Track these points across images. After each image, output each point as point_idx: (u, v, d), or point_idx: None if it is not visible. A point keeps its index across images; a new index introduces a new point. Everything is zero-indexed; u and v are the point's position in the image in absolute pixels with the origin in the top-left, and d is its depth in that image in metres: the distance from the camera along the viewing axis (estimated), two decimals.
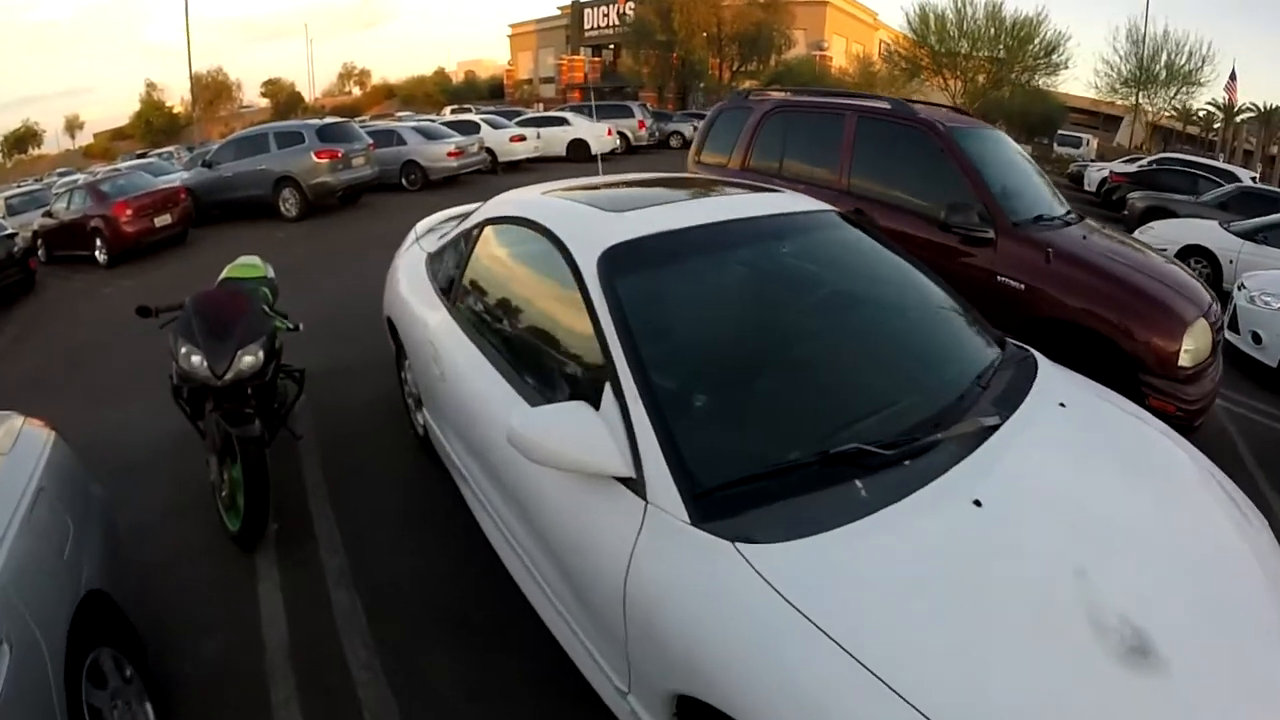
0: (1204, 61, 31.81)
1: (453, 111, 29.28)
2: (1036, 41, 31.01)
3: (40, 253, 11.28)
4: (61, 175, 27.62)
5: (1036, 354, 2.56)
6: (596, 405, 1.83)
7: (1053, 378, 2.33)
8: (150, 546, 3.13)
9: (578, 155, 19.84)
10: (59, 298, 9.33)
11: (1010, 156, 4.88)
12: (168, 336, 3.18)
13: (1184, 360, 3.65)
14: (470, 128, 17.35)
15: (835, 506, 1.58)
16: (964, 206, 4.19)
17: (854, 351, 2.29)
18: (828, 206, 2.87)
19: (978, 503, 1.61)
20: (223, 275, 4.14)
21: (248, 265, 4.28)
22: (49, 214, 11.51)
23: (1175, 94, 32.66)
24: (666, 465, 1.67)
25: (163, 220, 10.48)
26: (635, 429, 1.74)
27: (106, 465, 3.82)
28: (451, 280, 3.11)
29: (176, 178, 13.46)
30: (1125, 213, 12.63)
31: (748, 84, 37.33)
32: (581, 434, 1.74)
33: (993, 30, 31.40)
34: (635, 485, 1.70)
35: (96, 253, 10.44)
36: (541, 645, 2.19)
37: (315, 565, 2.96)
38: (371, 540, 3.11)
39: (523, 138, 18.43)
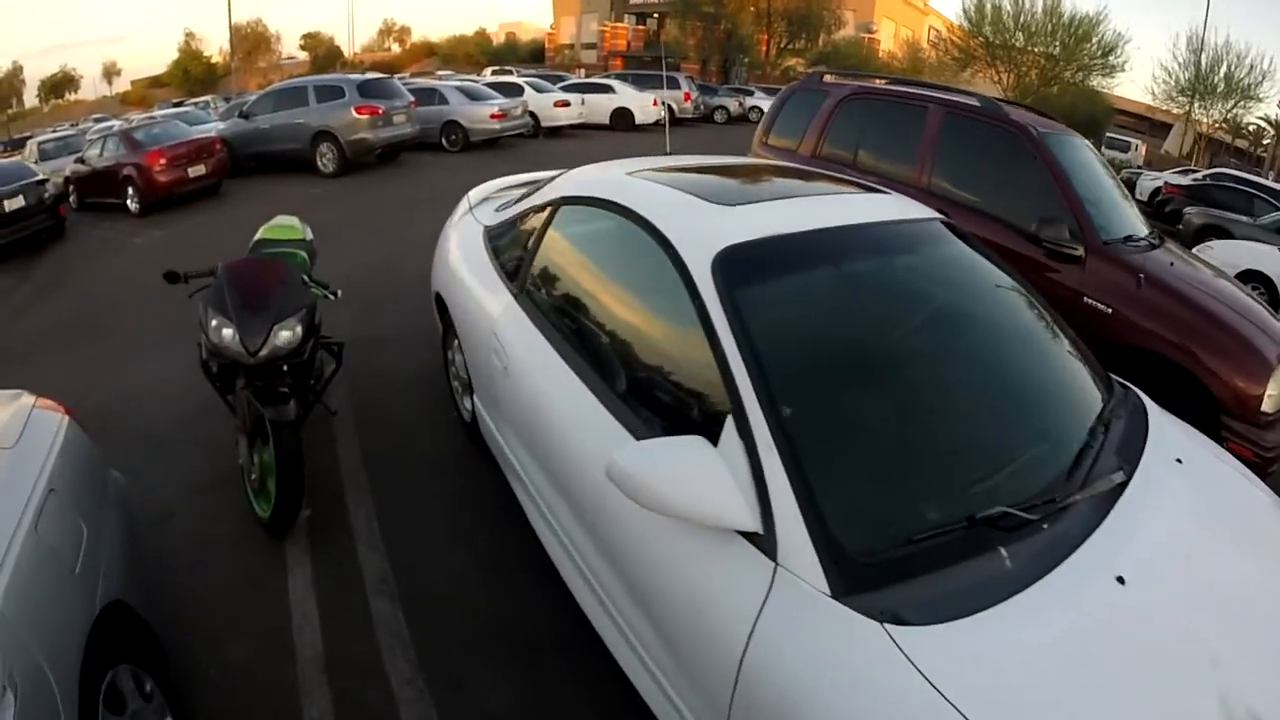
0: (1264, 76, 30.92)
1: (493, 73, 28.75)
2: (1094, 41, 30.16)
3: (72, 199, 11.15)
4: (97, 121, 27.44)
5: (1141, 394, 2.42)
6: (712, 439, 1.60)
7: (1164, 427, 2.18)
8: (172, 531, 2.96)
9: (620, 124, 19.56)
10: (89, 246, 9.19)
11: (1097, 168, 4.58)
12: (197, 305, 2.95)
13: (1266, 405, 3.49)
14: (514, 90, 17.11)
15: (983, 580, 1.41)
16: (1056, 220, 3.93)
17: (983, 390, 2.04)
18: (935, 213, 2.60)
19: (1120, 580, 1.48)
20: (258, 236, 3.87)
21: (285, 226, 4.00)
22: (82, 160, 11.33)
23: (1233, 106, 31.73)
24: (804, 522, 1.43)
25: (197, 171, 10.30)
26: (766, 476, 1.50)
27: (127, 435, 3.72)
28: (518, 263, 2.84)
29: (212, 128, 13.28)
30: (1180, 227, 12.21)
31: (793, 62, 37.24)
32: (700, 478, 1.50)
33: (1050, 25, 30.55)
34: (762, 542, 1.47)
35: (129, 201, 10.28)
36: (608, 674, 1.96)
37: (350, 561, 2.77)
38: (412, 536, 2.91)
39: (567, 103, 18.05)
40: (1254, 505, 2.03)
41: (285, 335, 2.81)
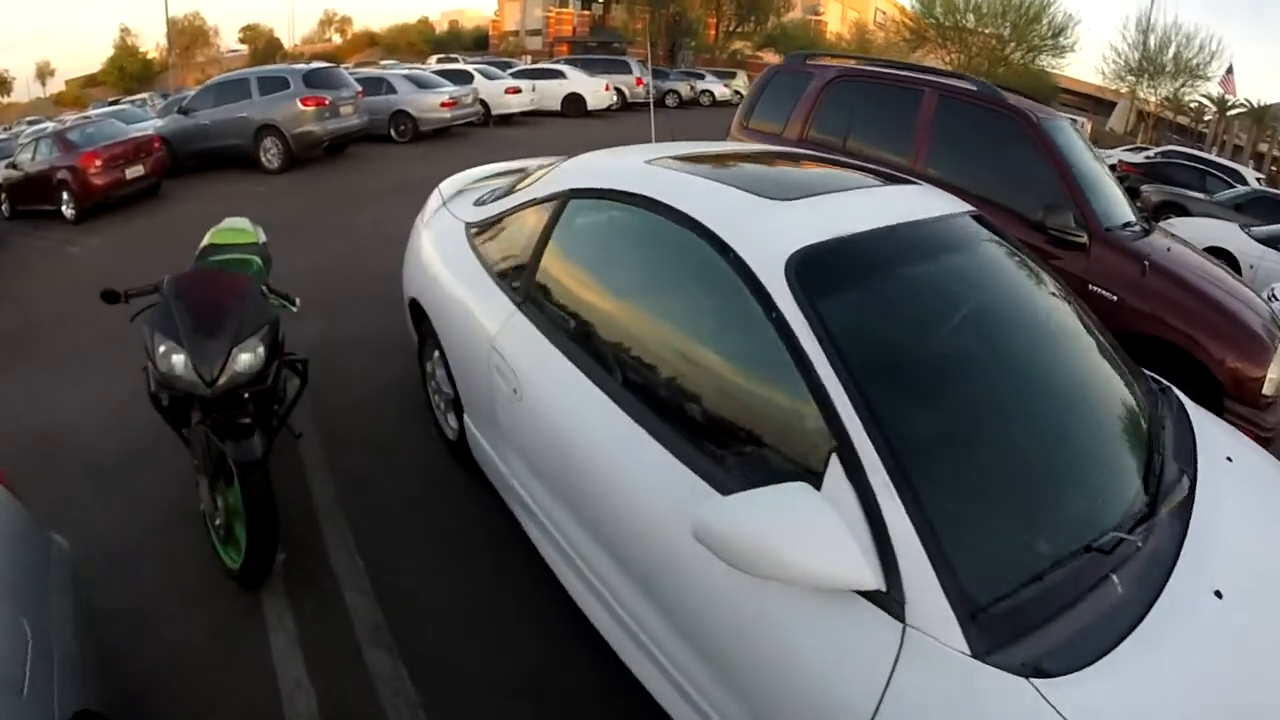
0: (1213, 57, 31.91)
1: (438, 61, 28.37)
2: (1045, 22, 30.79)
3: (4, 207, 10.41)
4: (30, 124, 26.00)
5: (1175, 390, 2.39)
6: (811, 482, 1.38)
7: (1206, 425, 2.16)
8: (129, 587, 2.60)
9: (572, 110, 19.39)
10: (19, 256, 8.51)
11: (1088, 153, 4.50)
12: (141, 328, 2.56)
13: (1267, 389, 3.59)
14: (464, 77, 16.73)
15: (1104, 614, 1.33)
16: (1061, 207, 3.85)
17: (1067, 403, 1.88)
18: (966, 205, 2.42)
19: (1219, 594, 1.45)
20: (206, 241, 3.46)
21: (236, 229, 3.58)
22: (13, 165, 10.52)
23: (1181, 85, 32.70)
24: (935, 575, 1.25)
25: (135, 171, 9.68)
26: (887, 523, 1.30)
27: (69, 465, 3.36)
28: (518, 267, 2.52)
29: (150, 126, 12.54)
30: (1139, 204, 12.39)
31: (740, 45, 37.34)
32: (810, 532, 1.28)
33: (1001, 6, 31.07)
34: (885, 600, 1.28)
35: (64, 207, 9.56)
36: None
37: (337, 608, 2.48)
38: (403, 574, 2.63)
39: (518, 90, 17.76)
40: None
41: (246, 359, 2.46)
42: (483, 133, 15.65)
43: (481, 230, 2.92)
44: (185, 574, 2.66)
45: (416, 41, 55.30)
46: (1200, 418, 2.27)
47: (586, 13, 45.29)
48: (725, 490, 1.52)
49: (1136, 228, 4.20)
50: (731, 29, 37.78)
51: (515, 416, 2.31)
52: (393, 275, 3.60)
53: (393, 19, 67.47)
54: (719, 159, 2.56)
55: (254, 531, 2.39)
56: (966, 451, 1.56)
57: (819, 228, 1.80)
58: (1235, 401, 3.57)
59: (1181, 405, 2.29)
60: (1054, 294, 2.27)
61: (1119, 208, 4.26)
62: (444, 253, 3.07)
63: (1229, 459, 1.98)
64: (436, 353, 3.09)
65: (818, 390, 1.46)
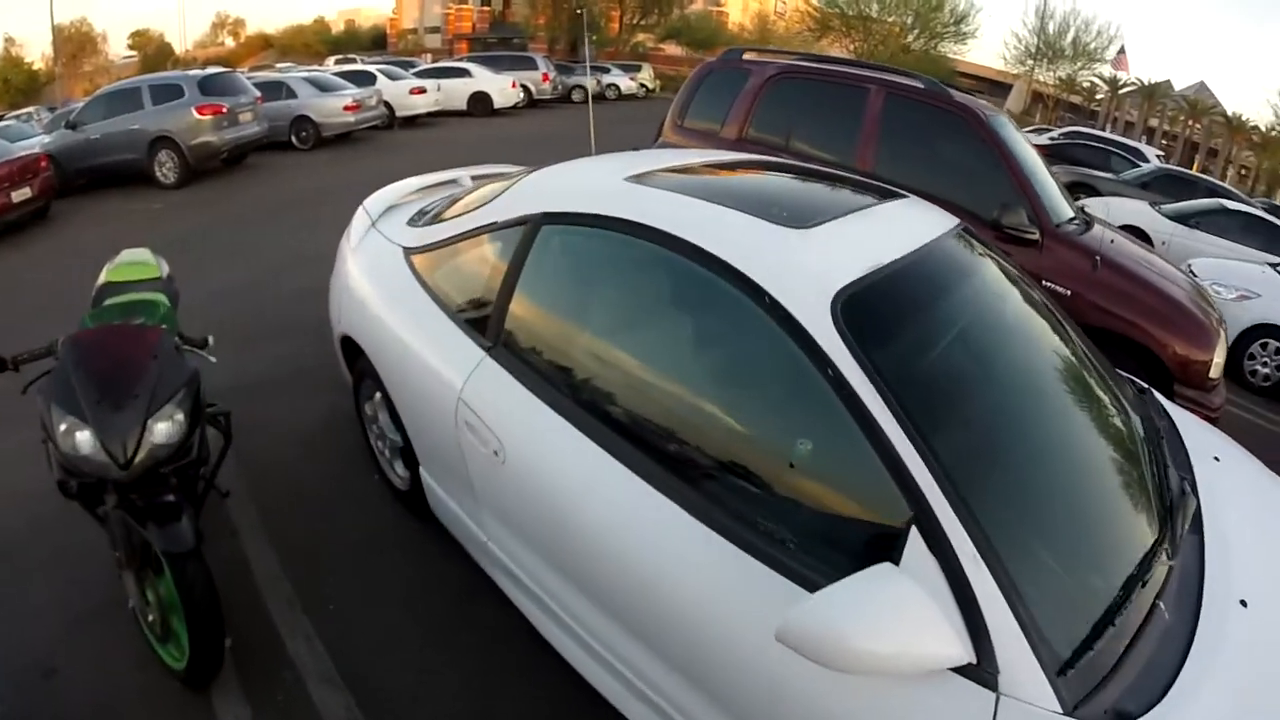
0: (1110, 41, 33.75)
1: (337, 62, 27.42)
2: (947, 10, 31.87)
3: None
4: None
5: (1152, 391, 2.48)
6: (886, 556, 1.29)
7: (1190, 426, 2.23)
8: (57, 700, 2.23)
9: (479, 110, 19.09)
10: None
11: (1029, 149, 4.55)
12: (35, 399, 2.15)
13: (1213, 372, 3.77)
14: (366, 79, 16.11)
15: (1159, 644, 1.35)
16: (1014, 206, 3.88)
17: (1087, 430, 1.86)
18: (952, 217, 2.33)
19: (1244, 603, 1.49)
20: (103, 279, 2.97)
21: (136, 263, 3.08)
22: None
23: (1080, 68, 34.46)
24: (1026, 640, 1.21)
25: (21, 194, 8.77)
26: (978, 595, 1.22)
27: None
28: (482, 305, 2.24)
29: (36, 143, 11.44)
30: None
31: (642, 38, 37.42)
32: (902, 620, 1.20)
33: None
34: (975, 672, 1.22)
35: None
36: None
37: (304, 707, 2.19)
38: (372, 653, 2.36)
39: (423, 90, 17.32)
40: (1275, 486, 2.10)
41: (164, 430, 2.11)
42: (388, 136, 15.12)
43: (425, 256, 2.62)
44: (123, 673, 2.31)
45: (313, 42, 53.71)
46: (1182, 418, 2.34)
47: (486, 9, 45.08)
48: (787, 571, 1.41)
49: (1080, 222, 4.30)
50: (635, 22, 37.91)
51: (497, 481, 2.07)
52: (310, 293, 3.25)
53: (287, 20, 65.60)
54: (697, 172, 2.38)
55: (196, 627, 2.07)
56: (1030, 500, 1.51)
57: (849, 262, 1.65)
58: (1184, 385, 3.70)
59: (1161, 407, 2.37)
60: (1046, 307, 2.24)
61: (1061, 203, 4.33)
62: (381, 283, 2.75)
63: (1216, 459, 2.04)
64: (378, 395, 2.81)
65: (889, 457, 1.34)
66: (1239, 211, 8.97)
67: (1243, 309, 6.20)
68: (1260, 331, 6.16)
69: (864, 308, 1.53)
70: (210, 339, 2.60)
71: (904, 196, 2.29)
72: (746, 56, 5.38)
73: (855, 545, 1.40)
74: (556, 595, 1.94)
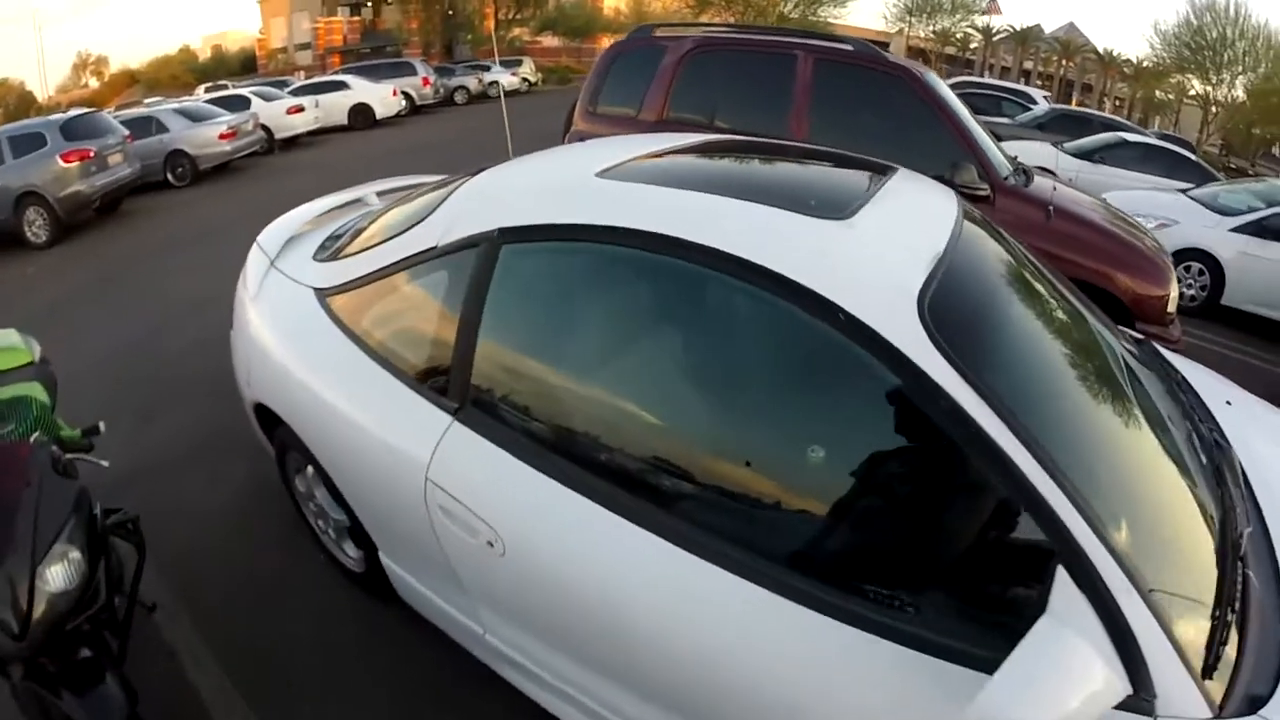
0: None
1: (207, 90, 26.13)
2: None
3: None
4: None
5: (1150, 340, 2.45)
6: (1023, 602, 1.15)
7: (1195, 375, 2.18)
8: None
9: (360, 122, 18.39)
10: None
11: (963, 105, 4.44)
12: None
13: (1170, 306, 3.88)
14: (240, 103, 15.08)
15: (1263, 619, 1.29)
16: (964, 163, 3.78)
17: (1141, 403, 1.71)
18: (945, 187, 2.16)
19: None
20: None
21: (2, 350, 2.48)
22: None
23: (958, 21, 35.92)
24: (1180, 660, 1.11)
25: None
26: (1134, 628, 1.09)
27: None
28: (433, 354, 1.84)
29: None
30: None
31: (518, 32, 36.84)
32: (1079, 674, 1.03)
33: None
34: (1135, 703, 1.09)
35: None
36: None
37: None
38: None
39: (301, 108, 16.45)
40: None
41: (60, 574, 1.67)
42: (270, 161, 14.23)
43: (345, 298, 2.16)
44: None
45: (180, 73, 51.22)
46: (1187, 368, 2.26)
47: (356, 19, 43.75)
48: (901, 636, 1.20)
49: (1020, 173, 4.25)
50: (510, 17, 37.44)
51: (495, 575, 1.69)
52: (207, 344, 2.82)
53: (151, 53, 62.59)
54: (676, 160, 2.06)
55: None
56: (1134, 502, 1.34)
57: (910, 256, 1.39)
58: (1144, 322, 3.73)
59: (1162, 355, 2.28)
60: (1047, 271, 2.08)
61: (1001, 157, 4.28)
62: (294, 337, 2.27)
63: (1229, 403, 2.00)
64: (310, 469, 2.39)
65: (1024, 491, 1.13)
66: (1138, 143, 9.30)
67: (1164, 236, 6.34)
68: (1183, 255, 6.35)
69: (949, 311, 1.28)
70: (101, 425, 2.16)
71: (895, 168, 2.05)
72: (658, 33, 5.06)
73: (986, 595, 1.23)
74: (594, 693, 1.60)
